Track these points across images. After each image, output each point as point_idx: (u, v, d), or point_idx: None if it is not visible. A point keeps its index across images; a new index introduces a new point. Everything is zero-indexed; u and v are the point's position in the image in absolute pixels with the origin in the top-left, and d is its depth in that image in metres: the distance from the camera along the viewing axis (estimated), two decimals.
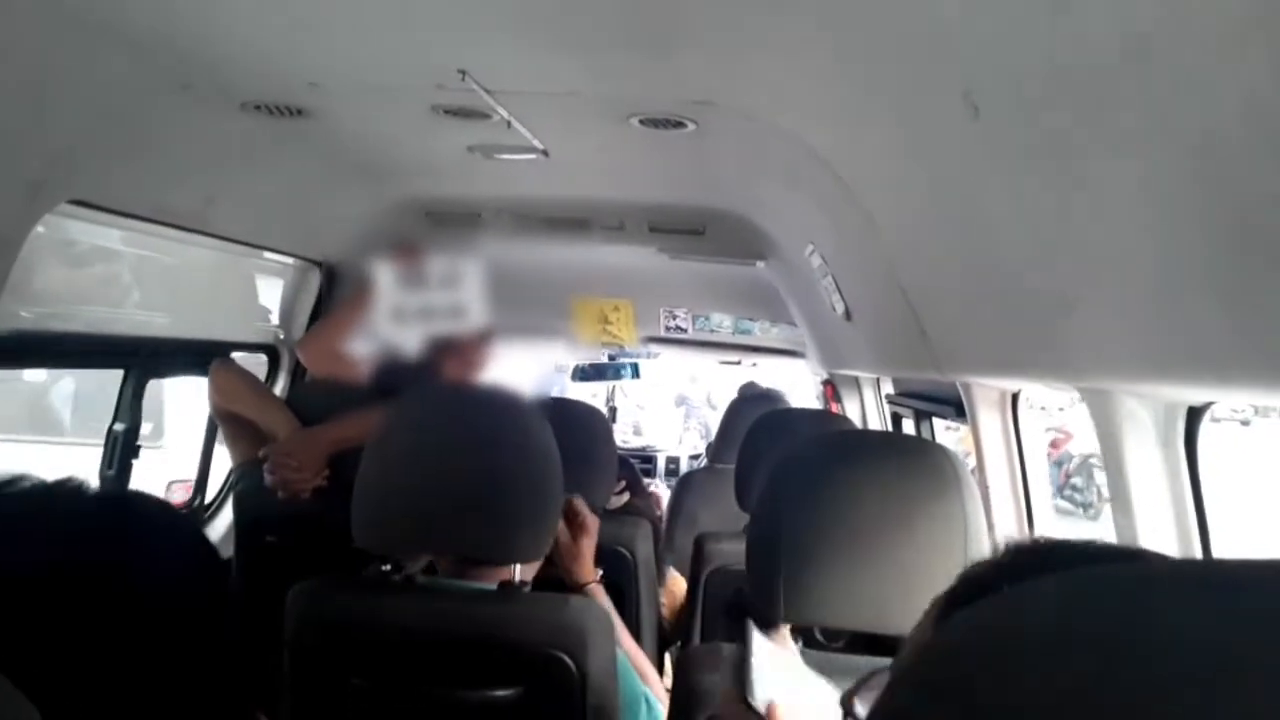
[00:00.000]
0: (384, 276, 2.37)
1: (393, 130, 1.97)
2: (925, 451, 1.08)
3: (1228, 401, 1.06)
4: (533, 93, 1.64)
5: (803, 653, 1.15)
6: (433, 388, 1.74)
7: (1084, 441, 8.39)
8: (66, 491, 0.53)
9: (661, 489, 4.13)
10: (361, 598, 1.29)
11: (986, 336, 1.32)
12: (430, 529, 1.21)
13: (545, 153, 2.02)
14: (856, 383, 3.15)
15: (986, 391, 1.72)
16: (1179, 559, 0.28)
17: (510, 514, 1.20)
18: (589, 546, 1.60)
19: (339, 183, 2.37)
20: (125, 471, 2.25)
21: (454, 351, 2.18)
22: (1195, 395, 1.05)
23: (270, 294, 2.84)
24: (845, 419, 2.89)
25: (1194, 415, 1.10)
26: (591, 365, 4.39)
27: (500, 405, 1.27)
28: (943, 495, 1.03)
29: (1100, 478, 7.78)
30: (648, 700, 1.38)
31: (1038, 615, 0.27)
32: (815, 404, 3.77)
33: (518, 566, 1.31)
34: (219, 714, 0.51)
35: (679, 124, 1.75)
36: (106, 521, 0.52)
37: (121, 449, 2.26)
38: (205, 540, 0.58)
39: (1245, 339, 0.69)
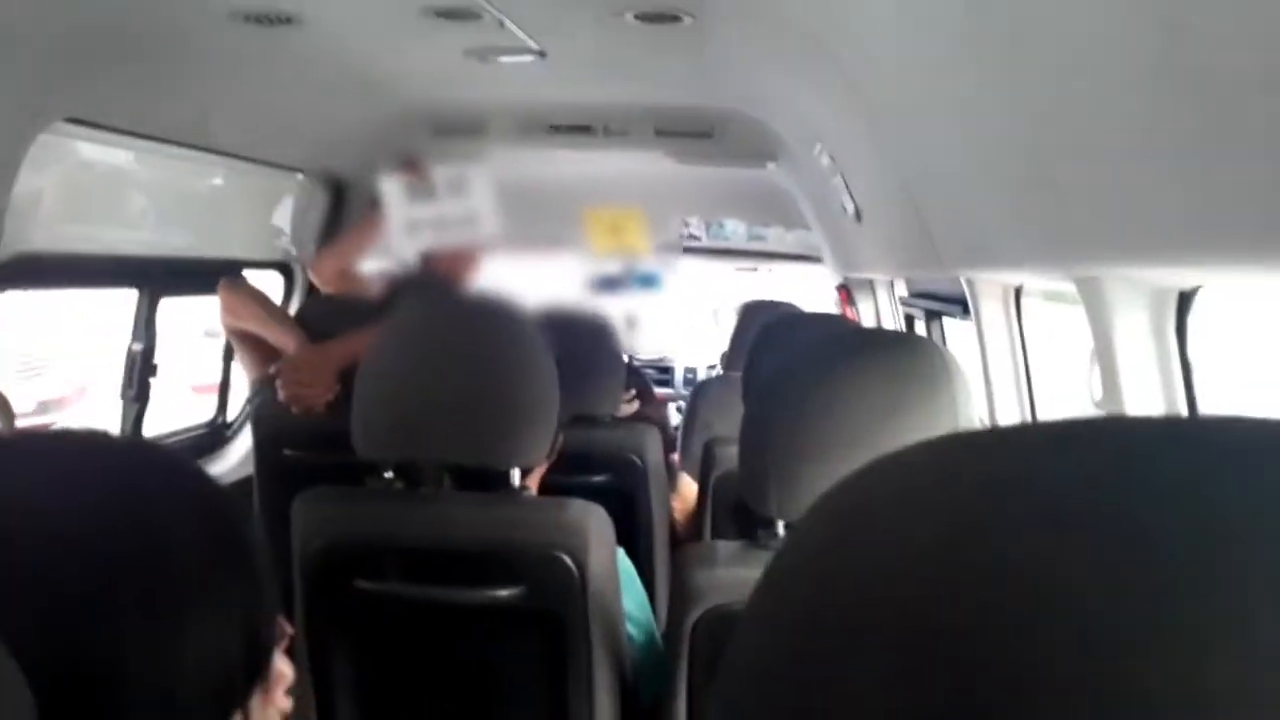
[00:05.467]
0: (391, 192, 2.36)
1: (385, 35, 1.93)
2: (914, 346, 1.07)
3: (1215, 284, 1.03)
4: None
5: None
6: (427, 297, 1.74)
7: None
8: (78, 440, 0.51)
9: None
10: (364, 505, 1.32)
11: (986, 229, 1.29)
12: (425, 434, 1.23)
13: (542, 54, 1.97)
14: (871, 286, 3.12)
15: (990, 286, 1.69)
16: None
17: (504, 417, 1.21)
18: None
19: (337, 94, 2.33)
20: (144, 390, 2.30)
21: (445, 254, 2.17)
22: (1183, 279, 1.02)
23: (281, 211, 2.84)
24: (854, 323, 2.87)
25: (1184, 301, 1.07)
26: (608, 278, 4.35)
27: (491, 312, 1.28)
28: (933, 389, 1.02)
29: None
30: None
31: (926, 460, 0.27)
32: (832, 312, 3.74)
33: (517, 473, 1.33)
34: (246, 645, 0.50)
35: (675, 18, 1.70)
36: (116, 469, 0.50)
37: (140, 368, 2.31)
38: (212, 483, 0.55)
39: (1226, 218, 0.66)
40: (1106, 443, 0.25)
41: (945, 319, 2.37)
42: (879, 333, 1.87)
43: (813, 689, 0.23)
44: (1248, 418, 0.24)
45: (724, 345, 3.30)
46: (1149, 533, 0.21)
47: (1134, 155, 0.76)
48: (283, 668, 0.57)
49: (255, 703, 0.50)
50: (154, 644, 0.43)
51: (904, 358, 1.04)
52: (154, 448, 0.53)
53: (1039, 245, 1.08)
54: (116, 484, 0.48)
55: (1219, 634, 0.19)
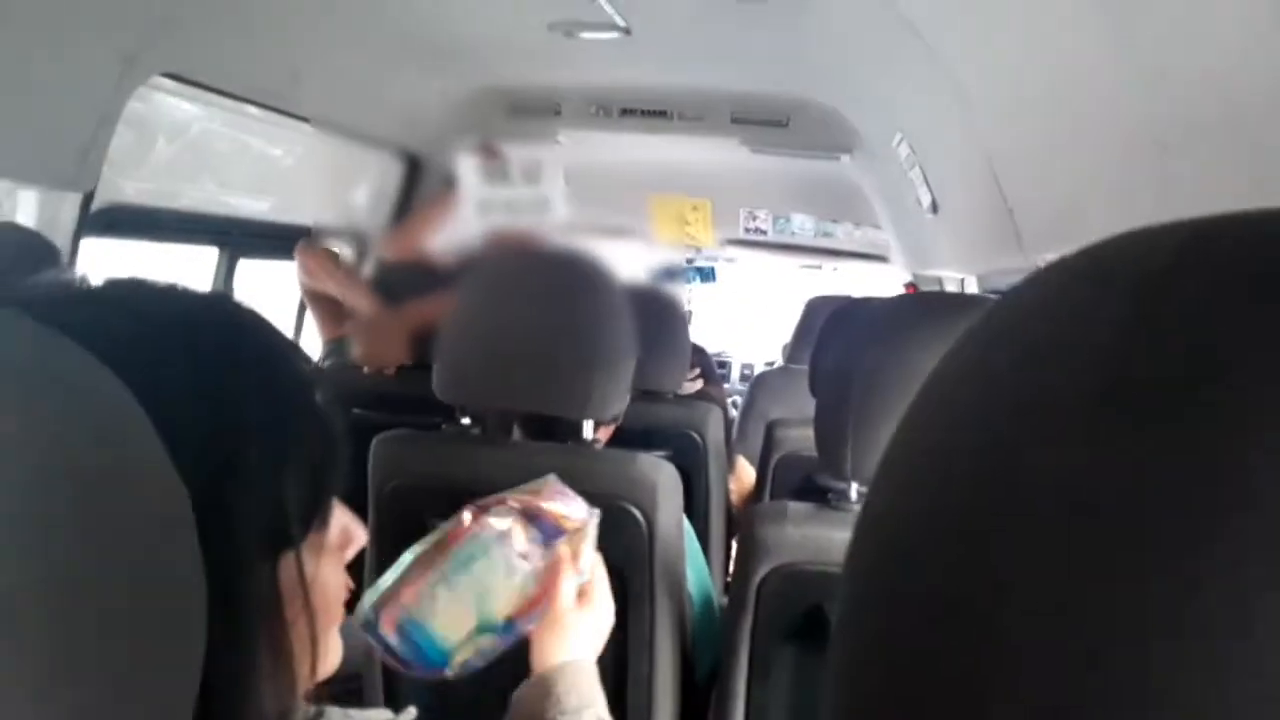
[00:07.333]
0: (466, 169, 2.38)
1: (472, 4, 1.97)
2: (988, 306, 1.06)
3: None
4: None
5: None
6: (513, 250, 1.76)
7: None
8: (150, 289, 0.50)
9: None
10: (440, 448, 1.34)
11: (1077, 206, 1.27)
12: (505, 382, 1.24)
13: (627, 30, 1.99)
14: (940, 284, 3.08)
15: None
16: None
17: (582, 367, 1.22)
18: None
19: (419, 63, 2.37)
20: None
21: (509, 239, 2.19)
22: None
23: (358, 183, 2.89)
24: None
25: None
26: (670, 268, 4.35)
27: (574, 265, 1.29)
28: None
29: None
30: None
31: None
32: None
33: (590, 426, 1.34)
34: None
35: None
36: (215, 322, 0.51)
37: None
38: (268, 327, 0.55)
39: None
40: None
41: None
42: (956, 295, 1.84)
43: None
44: None
45: (784, 340, 3.29)
46: None
47: (1248, 101, 0.74)
48: (356, 530, 0.58)
49: (310, 552, 0.51)
50: (212, 479, 0.43)
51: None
52: (227, 299, 0.53)
53: (1139, 217, 1.07)
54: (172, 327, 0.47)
55: None
